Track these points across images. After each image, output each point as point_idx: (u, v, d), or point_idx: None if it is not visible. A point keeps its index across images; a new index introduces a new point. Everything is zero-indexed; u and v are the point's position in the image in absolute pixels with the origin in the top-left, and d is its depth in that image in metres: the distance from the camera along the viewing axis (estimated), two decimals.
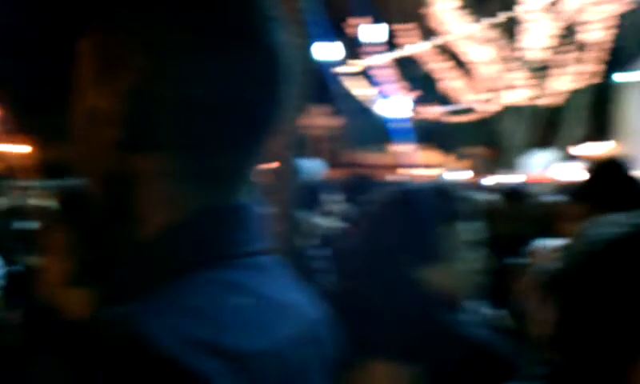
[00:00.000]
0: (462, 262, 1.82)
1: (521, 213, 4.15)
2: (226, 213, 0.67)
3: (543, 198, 4.83)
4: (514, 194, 4.62)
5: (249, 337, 0.59)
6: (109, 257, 0.66)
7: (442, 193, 1.86)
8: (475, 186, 11.19)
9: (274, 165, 2.71)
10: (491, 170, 18.54)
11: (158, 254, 0.64)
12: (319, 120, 22.70)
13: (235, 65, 0.65)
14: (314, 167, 6.87)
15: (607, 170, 2.27)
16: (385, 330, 1.59)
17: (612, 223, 0.74)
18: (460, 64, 16.38)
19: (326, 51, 17.15)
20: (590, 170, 2.28)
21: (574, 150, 21.35)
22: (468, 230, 1.82)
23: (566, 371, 0.70)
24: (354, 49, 17.66)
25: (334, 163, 16.34)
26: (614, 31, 14.25)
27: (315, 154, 13.78)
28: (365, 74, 17.87)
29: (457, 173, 26.30)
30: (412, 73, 18.30)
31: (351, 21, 17.10)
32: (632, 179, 2.20)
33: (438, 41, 15.83)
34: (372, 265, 1.74)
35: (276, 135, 0.72)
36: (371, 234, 1.82)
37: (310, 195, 4.78)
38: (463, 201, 1.86)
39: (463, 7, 15.77)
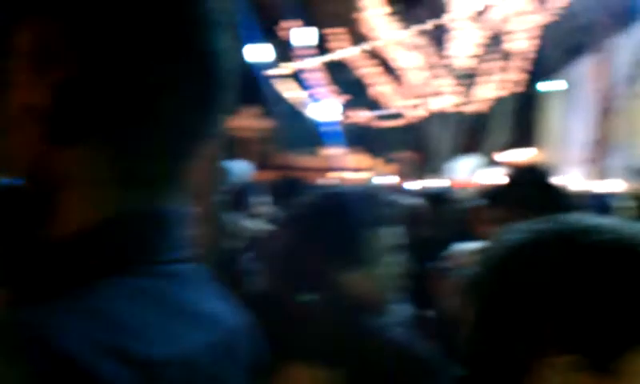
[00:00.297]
0: (384, 266, 1.85)
1: (444, 217, 4.25)
2: (147, 218, 0.66)
3: (466, 202, 4.95)
4: (437, 199, 4.71)
5: (156, 344, 0.59)
6: (21, 257, 0.64)
7: (366, 197, 1.88)
8: (402, 190, 11.37)
9: (201, 167, 2.68)
10: (418, 174, 18.88)
11: (70, 257, 0.62)
12: (249, 122, 22.60)
13: (168, 66, 0.64)
14: (242, 169, 6.83)
15: (527, 176, 2.33)
16: (307, 333, 1.59)
17: (520, 229, 0.77)
18: (389, 69, 16.62)
19: (257, 53, 17.11)
20: (510, 175, 2.33)
21: (498, 156, 21.97)
22: (391, 235, 1.85)
23: (479, 372, 0.73)
24: (286, 52, 17.69)
25: (263, 165, 16.30)
26: (537, 41, 14.72)
27: (245, 155, 13.70)
28: (296, 76, 17.93)
29: (385, 177, 26.69)
30: (342, 77, 18.46)
31: (282, 24, 17.13)
32: (551, 185, 2.27)
33: (368, 46, 16.01)
34: (296, 268, 1.74)
35: (207, 140, 0.71)
36: (295, 237, 1.82)
37: (238, 197, 4.76)
38: (386, 205, 1.88)
39: (392, 13, 16.02)
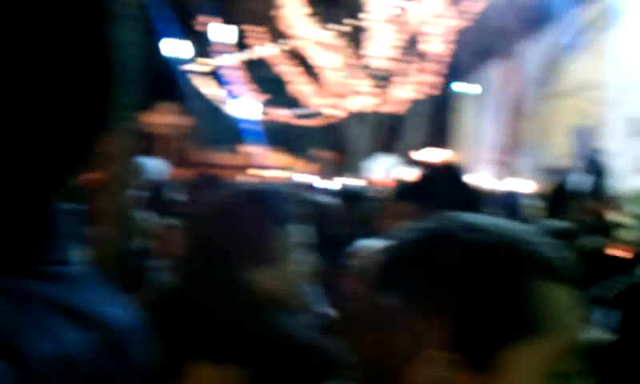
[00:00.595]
0: (293, 264, 1.85)
1: (358, 215, 4.30)
2: (32, 218, 0.64)
3: (380, 200, 5.03)
4: (352, 197, 4.77)
5: (33, 341, 0.57)
6: None
7: (276, 195, 1.88)
8: (320, 189, 11.42)
9: (112, 163, 2.62)
10: (337, 173, 19.04)
11: None
12: (167, 118, 22.22)
13: (61, 58, 0.61)
14: (158, 166, 6.73)
15: (437, 173, 2.36)
16: (214, 333, 1.58)
17: (411, 226, 0.78)
18: (308, 69, 16.67)
19: (175, 49, 16.85)
20: (422, 173, 2.36)
21: (414, 156, 22.39)
22: (300, 232, 1.86)
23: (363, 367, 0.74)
24: (204, 48, 17.48)
25: (181, 162, 16.06)
26: (452, 45, 15.06)
27: (162, 152, 13.46)
28: (214, 73, 17.73)
29: (305, 175, 26.77)
30: (262, 75, 18.41)
31: (201, 19, 16.91)
32: (461, 183, 2.31)
33: (287, 44, 16.02)
34: (203, 266, 1.73)
35: (106, 136, 0.69)
36: (204, 235, 1.81)
37: (153, 195, 4.67)
38: (296, 203, 1.89)
39: (311, 13, 16.07)
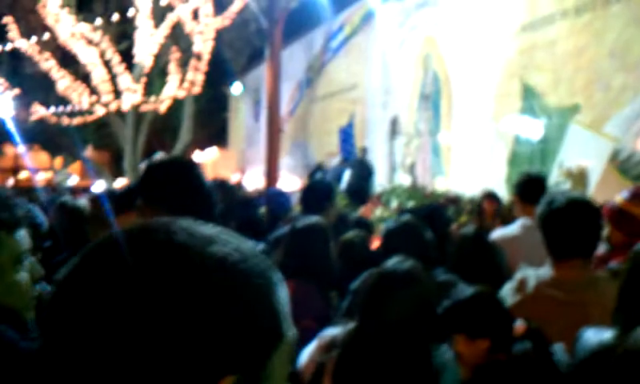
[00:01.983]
0: (19, 271, 1.74)
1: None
2: None
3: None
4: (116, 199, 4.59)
5: None
6: None
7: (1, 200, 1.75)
8: (85, 191, 10.92)
9: None
10: (104, 174, 18.33)
11: None
12: None
13: None
14: None
15: (161, 170, 2.23)
16: None
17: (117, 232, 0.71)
18: (70, 64, 15.84)
19: None
20: (148, 172, 2.23)
21: (186, 155, 22.23)
22: (24, 238, 1.75)
23: None
24: None
25: None
26: (215, 44, 15.10)
27: None
28: None
29: (67, 176, 25.47)
30: (19, 70, 17.19)
31: None
32: (191, 181, 2.18)
33: (45, 38, 15.09)
34: None
35: None
36: None
37: None
38: (20, 209, 1.77)
39: (71, 6, 15.28)
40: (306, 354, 2.35)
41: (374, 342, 2.10)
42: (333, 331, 2.28)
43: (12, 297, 1.73)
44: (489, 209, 6.49)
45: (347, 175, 13.27)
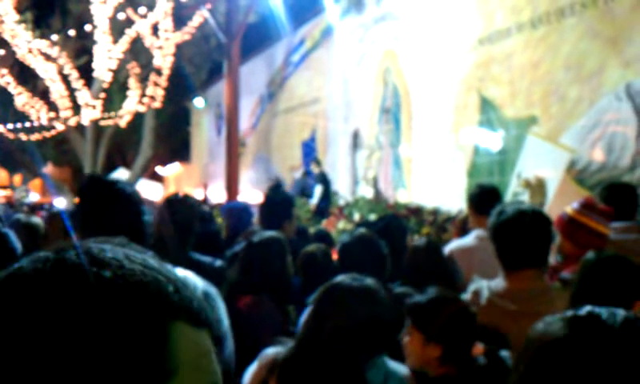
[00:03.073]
0: None
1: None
2: None
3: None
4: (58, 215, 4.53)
5: None
6: None
7: None
8: (42, 208, 10.73)
9: None
10: (64, 190, 18.05)
11: None
12: None
13: None
14: None
15: (90, 190, 2.15)
16: None
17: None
18: (28, 79, 15.61)
19: None
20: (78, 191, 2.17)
21: (151, 170, 22.03)
22: None
23: None
24: None
25: None
26: (183, 58, 15.07)
27: None
28: None
29: (26, 193, 25.04)
30: None
31: None
32: (119, 200, 2.12)
33: (2, 53, 14.85)
34: None
35: None
36: None
37: None
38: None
39: (28, 22, 15.08)
40: (249, 375, 2.33)
41: (311, 359, 2.09)
42: (274, 350, 2.26)
43: None
44: None
45: (318, 190, 13.31)
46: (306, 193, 13.74)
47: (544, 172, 9.29)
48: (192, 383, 0.66)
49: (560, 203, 6.80)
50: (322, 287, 2.28)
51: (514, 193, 9.52)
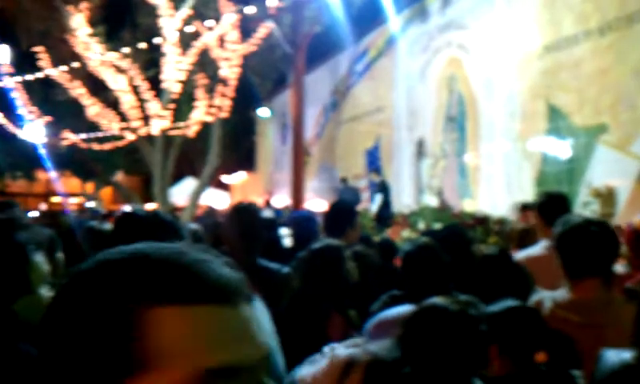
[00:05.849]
0: (45, 289, 1.82)
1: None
2: None
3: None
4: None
5: None
6: None
7: (19, 224, 1.84)
8: (112, 215, 11.05)
9: None
10: (134, 198, 18.52)
11: None
12: None
13: None
14: None
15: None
16: None
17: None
18: (100, 91, 16.11)
19: None
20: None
21: (217, 179, 22.40)
22: (43, 260, 1.83)
23: None
24: None
25: None
26: (242, 70, 15.24)
27: None
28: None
29: (98, 201, 25.82)
30: (50, 97, 17.53)
31: None
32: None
33: (77, 66, 15.37)
34: None
35: None
36: None
37: None
38: (38, 232, 1.86)
39: (100, 35, 15.59)
40: (316, 372, 2.21)
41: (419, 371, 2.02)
42: (345, 351, 2.19)
43: (36, 314, 1.81)
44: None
45: (379, 199, 13.32)
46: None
47: (614, 181, 9.06)
48: (175, 371, 0.61)
49: (630, 213, 6.64)
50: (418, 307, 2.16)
51: (584, 202, 9.33)
